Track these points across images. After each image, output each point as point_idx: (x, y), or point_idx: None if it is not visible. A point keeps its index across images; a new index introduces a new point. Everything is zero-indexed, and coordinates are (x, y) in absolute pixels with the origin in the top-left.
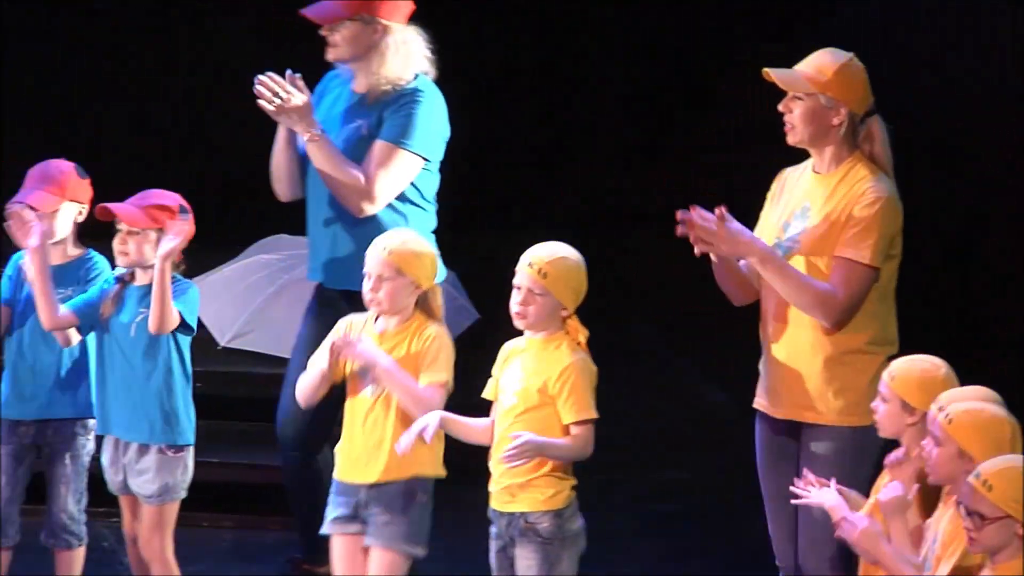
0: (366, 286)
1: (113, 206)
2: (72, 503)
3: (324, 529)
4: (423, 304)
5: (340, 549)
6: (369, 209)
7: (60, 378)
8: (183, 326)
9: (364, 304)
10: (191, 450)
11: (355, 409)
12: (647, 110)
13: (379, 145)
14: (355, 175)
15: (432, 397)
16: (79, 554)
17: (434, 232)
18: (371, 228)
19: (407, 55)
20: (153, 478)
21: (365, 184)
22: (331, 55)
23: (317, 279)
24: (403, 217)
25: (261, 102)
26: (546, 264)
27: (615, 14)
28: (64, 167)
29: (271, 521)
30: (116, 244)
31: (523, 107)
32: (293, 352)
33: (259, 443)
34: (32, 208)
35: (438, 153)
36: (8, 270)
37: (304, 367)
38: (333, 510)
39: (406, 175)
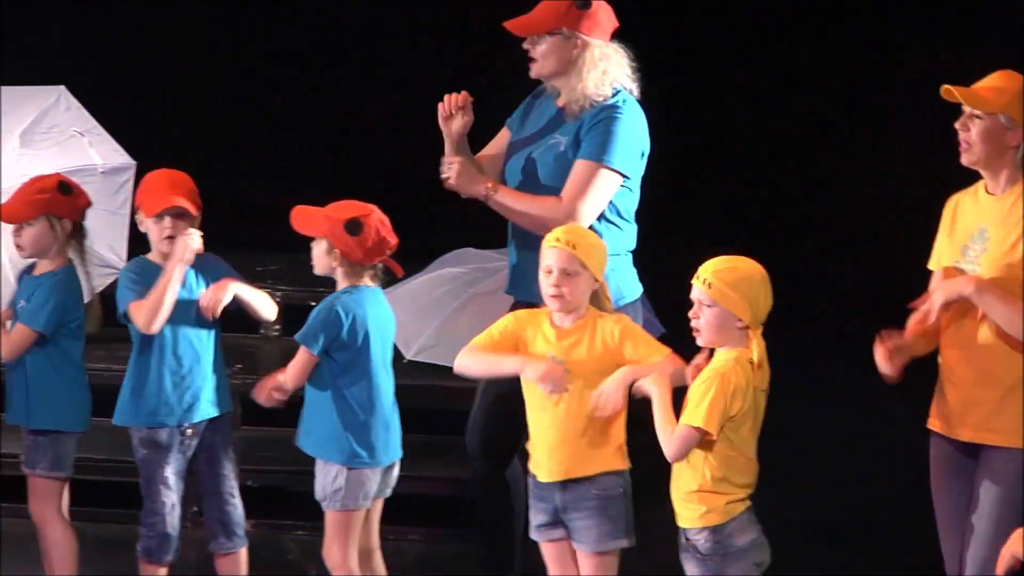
0: (546, 281)
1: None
2: (238, 495)
3: (532, 535)
4: (595, 299)
5: (550, 554)
6: (583, 224)
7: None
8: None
9: (542, 300)
10: (345, 468)
11: (536, 408)
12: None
13: (579, 164)
14: (547, 202)
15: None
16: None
17: (632, 252)
18: None
19: (606, 71)
20: (317, 483)
21: (566, 204)
22: (533, 70)
23: (520, 296)
24: (600, 236)
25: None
26: (711, 275)
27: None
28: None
29: (457, 534)
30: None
31: (725, 120)
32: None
33: (443, 455)
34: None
35: (637, 170)
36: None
37: (486, 384)
38: (535, 516)
39: (607, 193)
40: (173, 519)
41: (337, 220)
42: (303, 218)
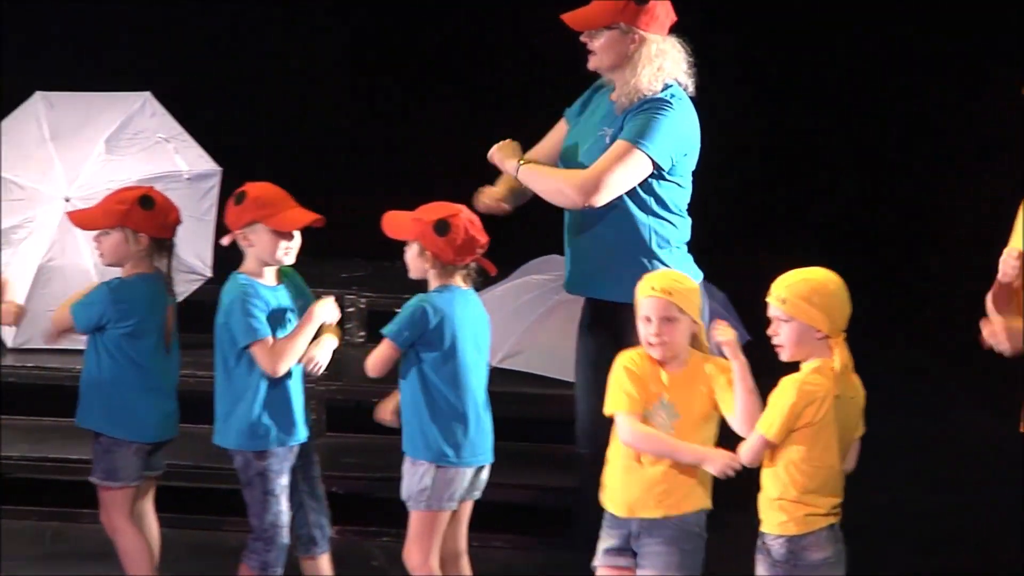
0: (647, 331)
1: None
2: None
3: (595, 561)
4: (694, 340)
5: None
6: (595, 199)
7: None
8: None
9: (630, 329)
10: (435, 467)
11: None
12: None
13: (615, 143)
14: (569, 172)
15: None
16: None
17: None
18: (625, 237)
19: (661, 67)
20: (403, 482)
21: (588, 173)
22: (591, 63)
23: (577, 292)
24: (648, 230)
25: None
26: (784, 290)
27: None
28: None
29: (539, 541)
30: None
31: (808, 117)
32: (576, 370)
33: (528, 462)
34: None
35: (680, 165)
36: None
37: (588, 384)
38: (604, 541)
39: (634, 174)
40: (288, 531)
41: (426, 222)
42: (393, 223)
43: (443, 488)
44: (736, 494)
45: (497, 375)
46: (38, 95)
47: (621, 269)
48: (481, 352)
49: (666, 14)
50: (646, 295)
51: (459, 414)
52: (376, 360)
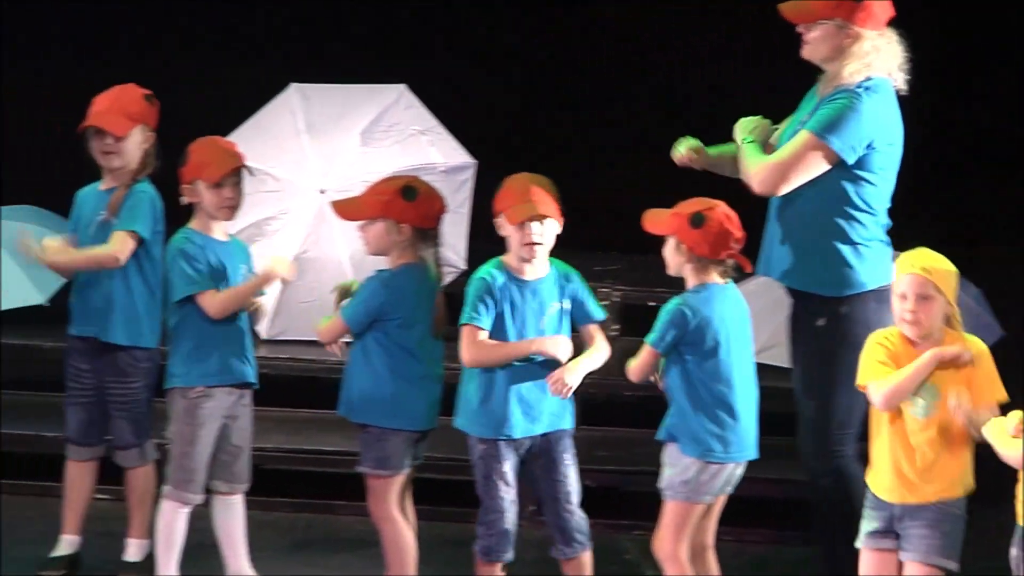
0: (902, 307)
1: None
2: (577, 503)
3: (858, 543)
4: (948, 321)
5: (871, 564)
6: (771, 190)
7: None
8: None
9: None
10: (698, 461)
11: (901, 428)
12: None
13: (798, 133)
14: (756, 161)
15: None
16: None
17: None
18: (810, 228)
19: (869, 62)
20: (663, 470)
21: (769, 162)
22: (804, 52)
23: (763, 274)
24: (838, 225)
25: None
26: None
27: None
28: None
29: (789, 536)
30: None
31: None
32: (792, 362)
33: (784, 457)
34: None
35: (868, 159)
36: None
37: (803, 377)
38: (868, 524)
39: (813, 166)
40: (511, 516)
41: (682, 215)
42: (653, 219)
43: (705, 482)
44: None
45: None
46: (293, 87)
47: (804, 259)
48: (745, 346)
49: (883, 10)
50: (905, 272)
51: (726, 409)
52: (638, 367)
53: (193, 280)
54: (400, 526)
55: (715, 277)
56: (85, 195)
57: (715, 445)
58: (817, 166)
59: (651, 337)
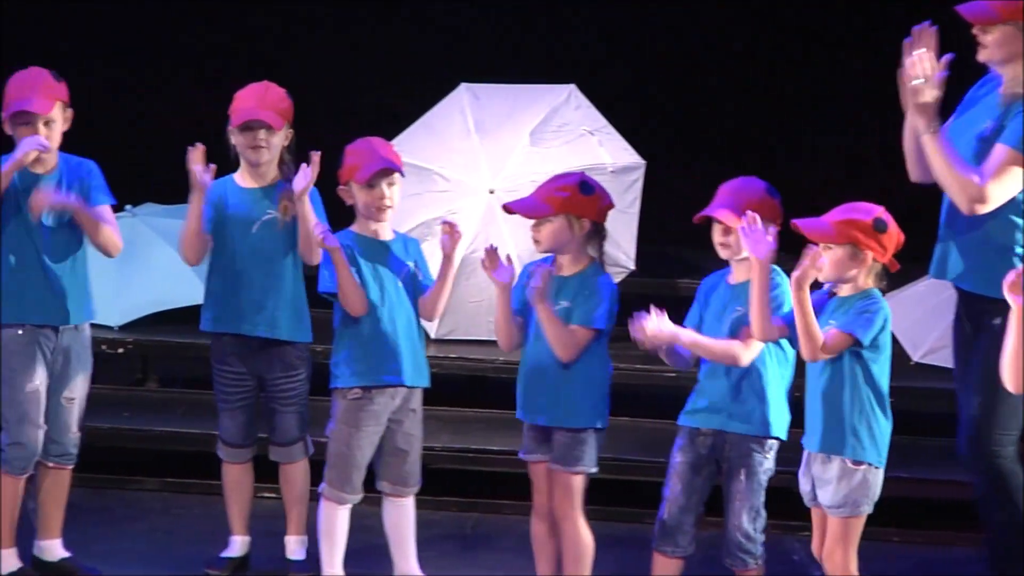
0: None
1: (802, 223)
2: (747, 521)
3: None
4: None
5: None
6: (979, 209)
7: None
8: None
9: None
10: (872, 468)
11: None
12: None
13: (996, 148)
14: (967, 176)
15: None
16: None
17: None
18: (996, 234)
19: None
20: (835, 489)
21: (978, 184)
22: (980, 55)
23: (940, 277)
24: (1005, 231)
25: (913, 80)
26: None
27: None
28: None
29: (962, 538)
30: None
31: None
32: (954, 361)
33: (944, 458)
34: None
35: None
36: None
37: (973, 377)
38: None
39: (1018, 181)
40: (673, 508)
41: (862, 222)
42: (816, 227)
43: (874, 491)
44: None
45: (919, 371)
46: (463, 87)
47: (983, 262)
48: None
49: None
50: None
51: (887, 414)
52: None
53: (325, 280)
54: (584, 526)
55: (876, 283)
56: (225, 192)
57: (884, 452)
58: (1018, 180)
59: (867, 336)
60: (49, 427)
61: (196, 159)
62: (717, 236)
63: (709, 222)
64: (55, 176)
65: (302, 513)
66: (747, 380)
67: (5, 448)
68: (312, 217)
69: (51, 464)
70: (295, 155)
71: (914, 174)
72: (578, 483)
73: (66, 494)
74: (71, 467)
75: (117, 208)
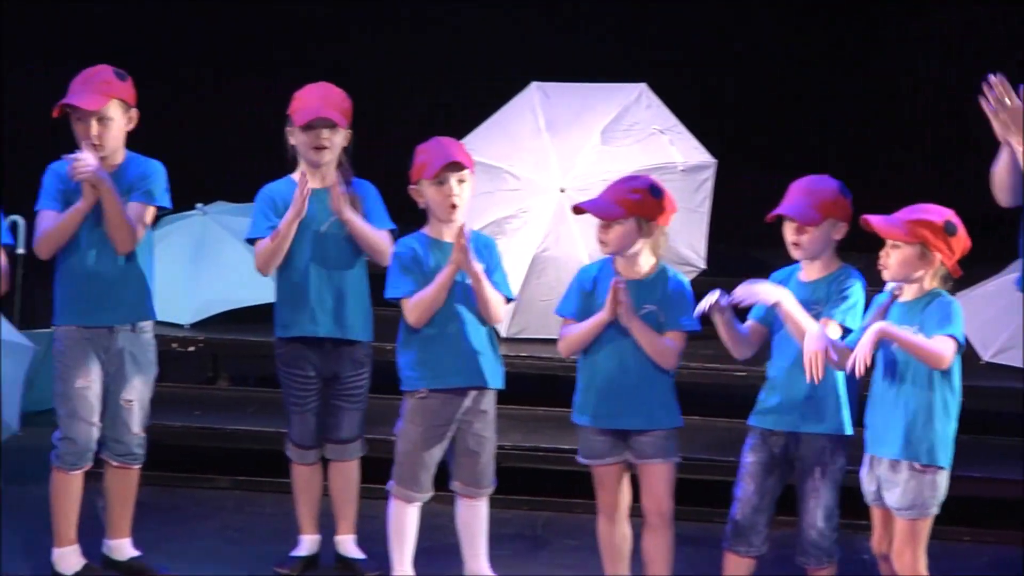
0: None
1: (874, 219)
2: (822, 519)
3: None
4: None
5: None
6: None
7: None
8: None
9: None
10: (941, 470)
11: None
12: None
13: None
14: None
15: None
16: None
17: None
18: None
19: None
20: (903, 492)
21: None
22: None
23: None
24: None
25: (984, 105)
26: None
27: None
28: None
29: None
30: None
31: None
32: None
33: (1017, 457)
34: None
35: None
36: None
37: None
38: None
39: None
40: (746, 508)
41: (933, 223)
42: (887, 225)
43: (943, 490)
44: None
45: (989, 370)
46: (534, 85)
47: None
48: None
49: None
50: None
51: (956, 415)
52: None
53: (396, 286)
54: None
55: (941, 286)
56: (287, 196)
57: (952, 452)
58: None
59: (959, 331)
60: (111, 427)
61: (304, 188)
62: (789, 235)
63: (780, 220)
64: (115, 174)
65: (354, 511)
66: (824, 383)
67: (57, 443)
68: (357, 221)
69: (115, 464)
70: (354, 157)
71: (1005, 200)
72: (674, 475)
73: (133, 493)
74: (137, 467)
75: (188, 206)
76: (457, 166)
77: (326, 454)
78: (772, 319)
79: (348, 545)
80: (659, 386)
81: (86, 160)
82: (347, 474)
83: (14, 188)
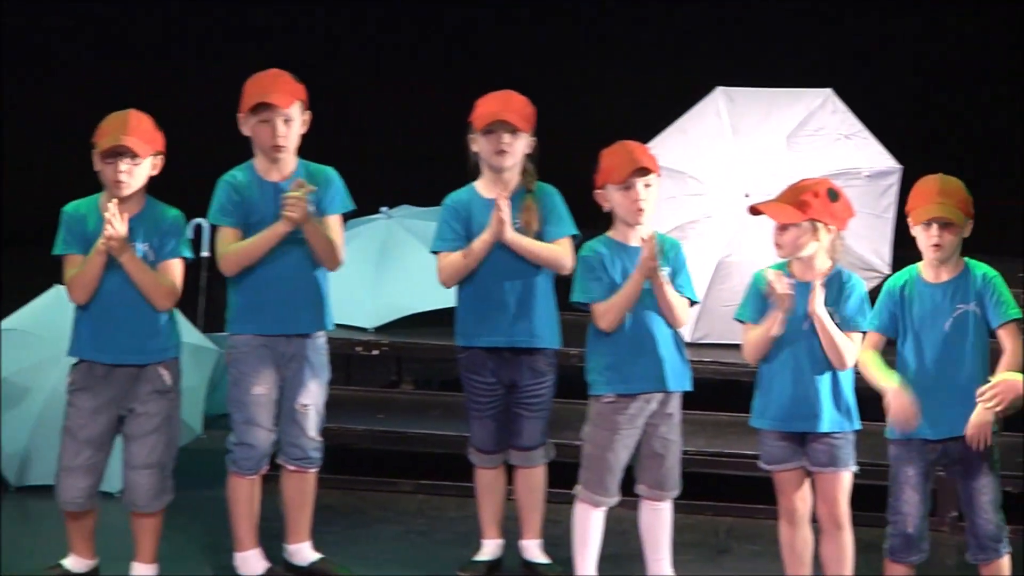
0: None
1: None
2: (994, 511)
3: None
4: None
5: None
6: None
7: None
8: None
9: None
10: None
11: None
12: None
13: None
14: None
15: None
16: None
17: None
18: None
19: None
20: None
21: None
22: None
23: None
24: None
25: None
26: None
27: None
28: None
29: None
30: None
31: None
32: None
33: None
34: None
35: None
36: None
37: None
38: None
39: None
40: (915, 519)
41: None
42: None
43: None
44: None
45: None
46: (718, 90)
47: None
48: None
49: None
50: None
51: None
52: None
53: (584, 290)
54: (848, 532)
55: None
56: (471, 205)
57: None
58: None
59: None
60: (287, 432)
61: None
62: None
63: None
64: (290, 182)
65: (538, 517)
66: (972, 384)
67: (233, 448)
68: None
69: (292, 468)
70: (540, 165)
71: None
72: (848, 482)
73: (311, 497)
74: (313, 471)
75: (373, 210)
76: (644, 171)
77: (511, 460)
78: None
79: (533, 550)
80: (836, 389)
81: (301, 199)
82: (531, 480)
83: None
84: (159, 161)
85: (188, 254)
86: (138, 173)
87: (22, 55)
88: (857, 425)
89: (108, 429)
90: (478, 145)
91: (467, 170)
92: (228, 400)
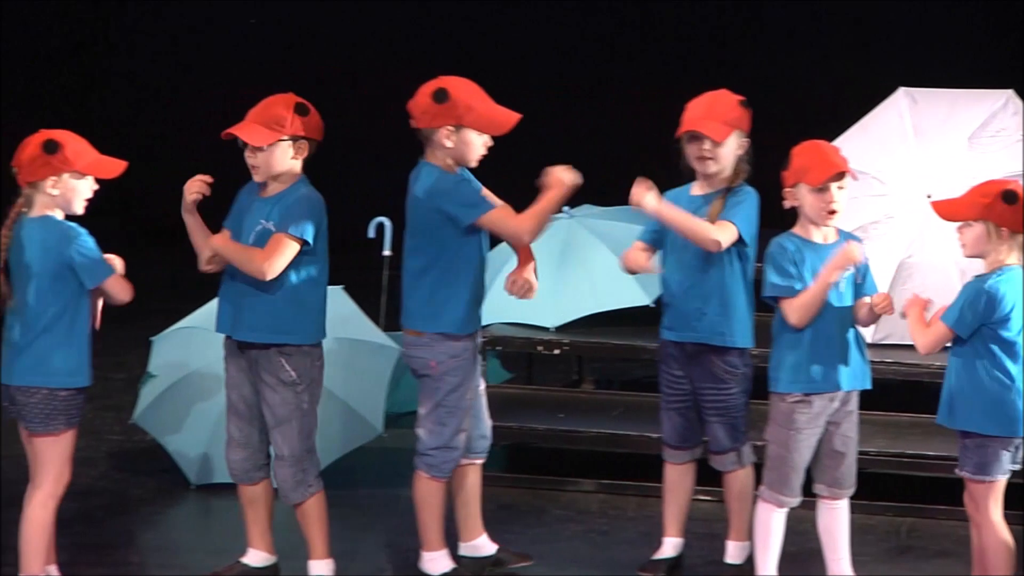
0: None
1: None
2: None
3: None
4: None
5: None
6: None
7: None
8: None
9: None
10: None
11: None
12: None
13: None
14: None
15: None
16: None
17: None
18: None
19: None
20: None
21: None
22: None
23: None
24: None
25: None
26: None
27: None
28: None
29: None
30: None
31: None
32: None
33: None
34: None
35: None
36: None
37: None
38: None
39: None
40: None
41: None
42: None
43: None
44: None
45: None
46: (901, 91)
47: None
48: None
49: None
50: None
51: None
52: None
53: (772, 285)
54: (1000, 531)
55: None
56: (678, 203)
57: None
58: None
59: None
60: (475, 427)
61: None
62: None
63: None
64: None
65: (742, 519)
66: None
67: (432, 452)
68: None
69: (463, 462)
70: (754, 161)
71: None
72: (979, 490)
73: (480, 490)
74: (481, 462)
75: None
76: (841, 175)
77: (709, 461)
78: None
79: (729, 551)
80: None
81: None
82: (728, 483)
83: None
84: (303, 145)
85: (302, 235)
86: (263, 158)
87: None
88: (988, 430)
89: (252, 404)
90: (685, 148)
91: (678, 168)
92: (439, 405)
